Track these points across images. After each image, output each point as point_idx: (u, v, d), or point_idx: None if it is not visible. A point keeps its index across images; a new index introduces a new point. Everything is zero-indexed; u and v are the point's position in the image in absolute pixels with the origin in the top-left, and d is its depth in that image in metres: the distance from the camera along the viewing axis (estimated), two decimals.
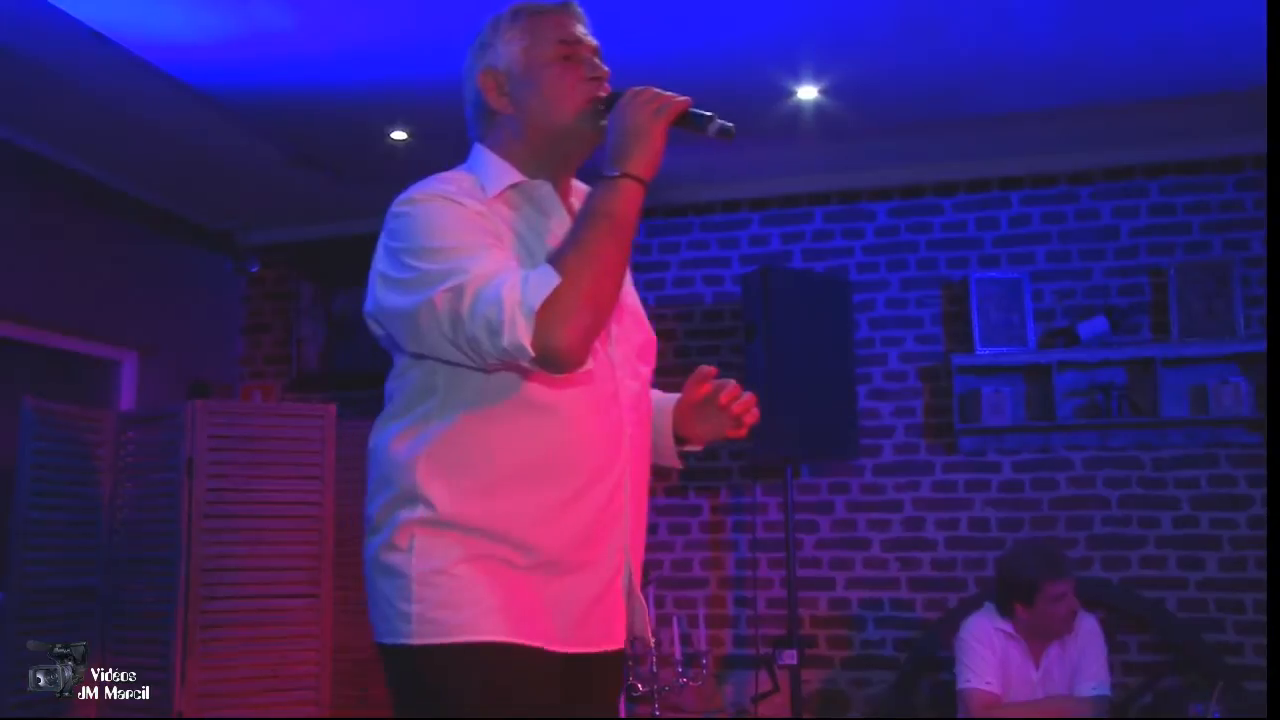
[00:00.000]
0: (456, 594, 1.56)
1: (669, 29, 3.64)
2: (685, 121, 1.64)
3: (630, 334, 1.77)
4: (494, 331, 1.46)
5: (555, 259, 1.51)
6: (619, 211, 1.55)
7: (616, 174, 1.57)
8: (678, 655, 4.48)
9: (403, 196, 1.65)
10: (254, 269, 5.71)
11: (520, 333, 1.44)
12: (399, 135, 4.45)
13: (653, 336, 1.86)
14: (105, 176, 4.88)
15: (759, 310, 4.38)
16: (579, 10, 1.77)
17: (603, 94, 1.70)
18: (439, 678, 1.56)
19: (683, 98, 1.63)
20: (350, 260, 5.58)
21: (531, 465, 1.60)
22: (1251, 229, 4.62)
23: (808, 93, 4.13)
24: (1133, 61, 3.92)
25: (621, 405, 1.69)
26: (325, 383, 5.65)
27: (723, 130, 1.64)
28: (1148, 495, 4.59)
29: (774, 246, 5.16)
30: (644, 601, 1.75)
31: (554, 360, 1.48)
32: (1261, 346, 4.40)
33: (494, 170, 1.71)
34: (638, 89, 1.64)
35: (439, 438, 1.61)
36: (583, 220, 1.55)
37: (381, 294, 1.63)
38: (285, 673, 3.87)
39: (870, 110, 4.34)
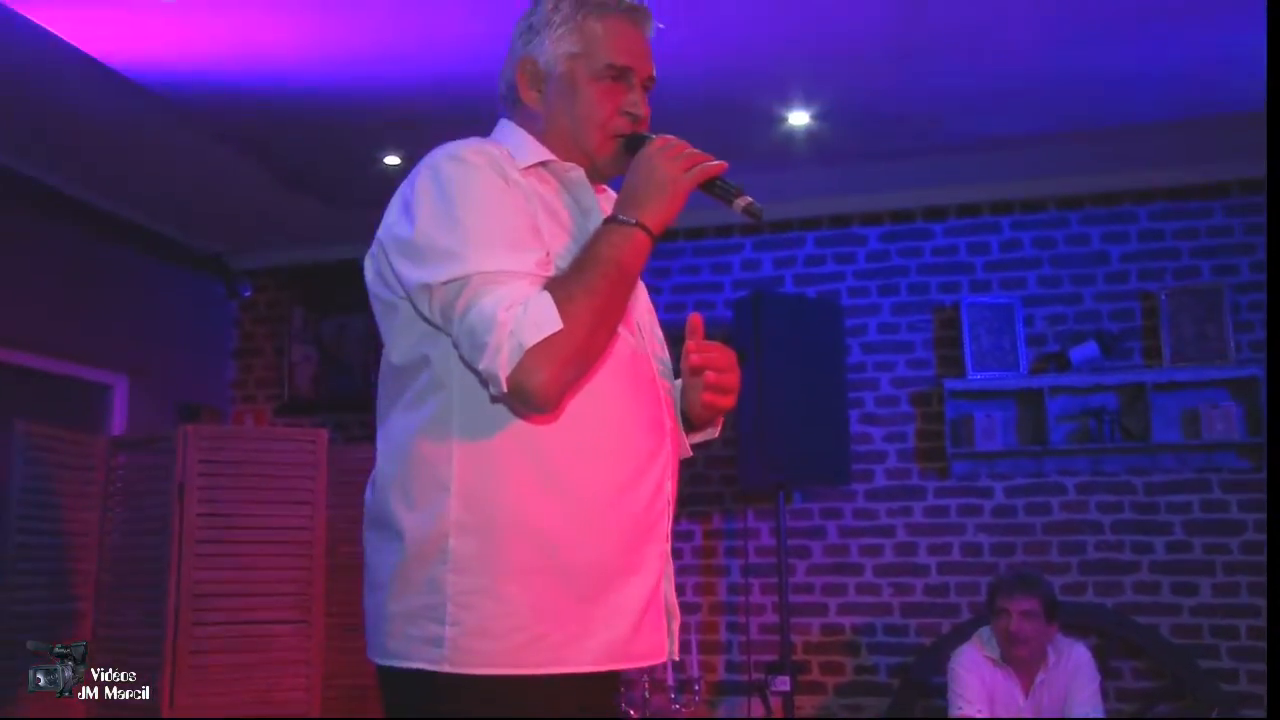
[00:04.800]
0: (497, 620, 1.42)
1: (661, 53, 3.66)
2: (712, 188, 1.53)
3: (650, 331, 1.69)
4: (476, 347, 1.37)
5: (557, 293, 1.38)
6: (628, 263, 1.44)
7: (631, 221, 1.46)
8: (670, 681, 4.46)
9: (445, 151, 1.51)
10: (246, 293, 5.71)
11: (501, 364, 1.35)
12: (391, 160, 4.46)
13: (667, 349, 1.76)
14: (97, 200, 4.88)
15: (751, 335, 4.38)
16: (648, 20, 1.64)
17: (634, 130, 1.60)
18: (470, 709, 1.43)
19: (717, 162, 1.52)
20: (342, 285, 5.61)
21: (577, 452, 1.48)
22: (1240, 254, 4.65)
23: (799, 118, 4.15)
24: (1121, 87, 3.95)
25: (661, 391, 1.60)
26: (316, 407, 5.64)
27: (749, 208, 1.53)
28: (1140, 520, 4.59)
29: (766, 271, 5.17)
30: (677, 611, 1.62)
31: (524, 400, 1.39)
32: (1252, 371, 4.42)
33: (525, 145, 1.59)
34: (670, 139, 1.53)
35: (470, 423, 1.46)
36: (591, 263, 1.43)
37: (391, 248, 1.50)
38: (274, 699, 3.84)
39: (861, 135, 4.37)
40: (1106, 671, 4.07)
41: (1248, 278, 4.61)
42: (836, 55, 3.70)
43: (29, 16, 3.32)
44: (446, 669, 1.42)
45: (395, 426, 1.53)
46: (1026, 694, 3.59)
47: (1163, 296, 4.64)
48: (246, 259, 5.73)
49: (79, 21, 3.39)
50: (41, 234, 4.65)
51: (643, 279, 1.64)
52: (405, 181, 1.52)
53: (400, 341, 1.53)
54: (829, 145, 4.39)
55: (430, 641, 1.43)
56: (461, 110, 3.85)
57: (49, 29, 3.40)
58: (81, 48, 3.52)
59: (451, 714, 1.44)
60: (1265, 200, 4.58)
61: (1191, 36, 3.56)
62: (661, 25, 1.66)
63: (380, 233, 1.53)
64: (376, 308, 1.57)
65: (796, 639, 4.77)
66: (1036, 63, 3.75)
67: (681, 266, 5.26)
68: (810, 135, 4.29)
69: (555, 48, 1.59)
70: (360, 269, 1.59)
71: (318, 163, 4.61)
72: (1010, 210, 4.95)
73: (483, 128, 1.58)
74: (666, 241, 5.34)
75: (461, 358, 1.43)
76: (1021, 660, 3.57)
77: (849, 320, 4.92)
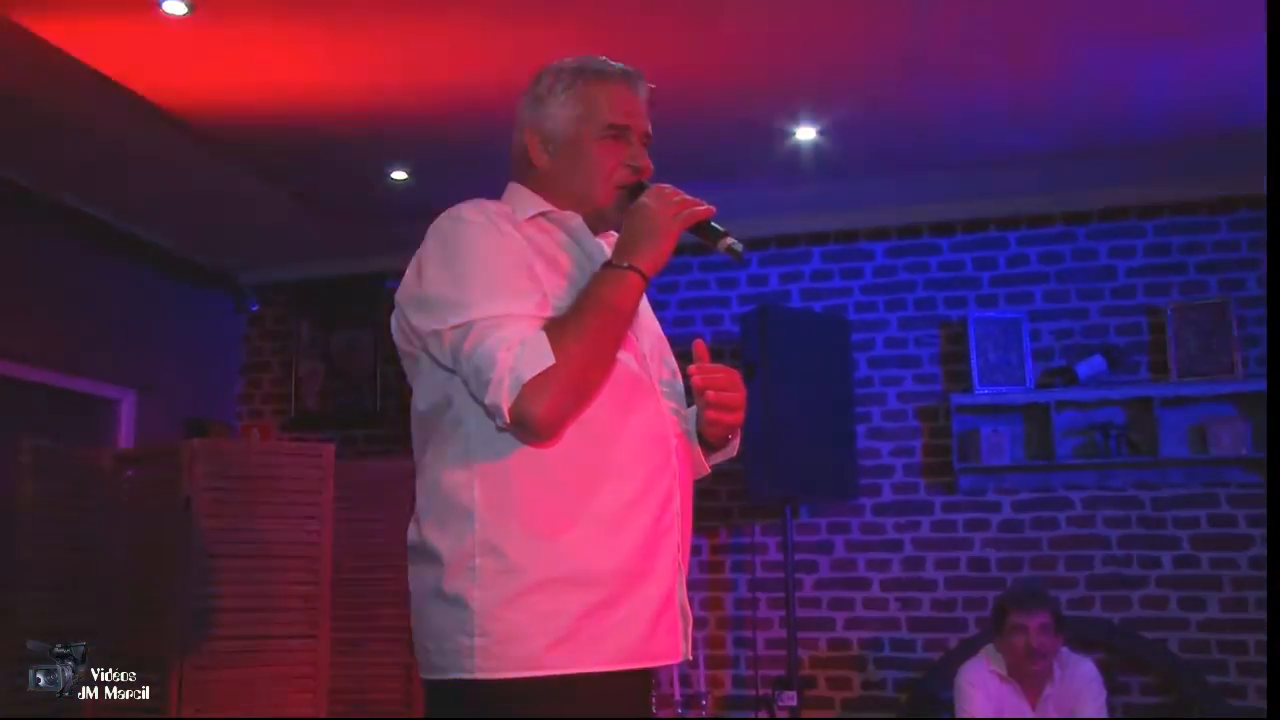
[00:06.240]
0: (521, 627, 1.54)
1: (670, 69, 3.68)
2: (701, 230, 1.67)
3: (659, 358, 1.79)
4: (481, 383, 1.52)
5: (553, 332, 1.53)
6: (621, 304, 1.59)
7: (625, 266, 1.61)
8: (677, 696, 4.45)
9: (447, 213, 1.68)
10: (253, 308, 5.73)
11: (503, 397, 1.50)
12: (399, 175, 4.48)
13: (678, 376, 1.85)
14: (105, 215, 4.90)
15: (758, 350, 4.39)
16: (642, 83, 1.78)
17: (637, 181, 1.74)
18: (500, 712, 1.55)
19: (706, 206, 1.66)
20: (349, 299, 5.62)
21: (584, 473, 1.59)
22: (1246, 269, 4.65)
23: (806, 133, 4.16)
24: (1128, 104, 3.95)
25: (664, 412, 1.71)
26: (323, 422, 5.65)
27: (732, 249, 1.66)
28: (1148, 535, 4.58)
29: (772, 286, 5.18)
30: (690, 614, 1.72)
31: (526, 429, 1.53)
32: (1259, 386, 4.40)
33: (527, 201, 1.75)
34: (664, 186, 1.68)
35: (487, 453, 1.60)
36: (586, 305, 1.58)
37: (406, 305, 1.66)
38: (281, 714, 3.84)
39: (867, 151, 4.38)
40: (1114, 687, 4.05)
41: (1254, 292, 4.61)
42: (843, 71, 3.71)
43: (46, 38, 3.35)
44: (478, 676, 1.55)
45: (426, 464, 1.68)
46: (1034, 708, 3.58)
47: (1169, 311, 4.64)
48: (254, 274, 5.75)
49: (94, 43, 3.42)
50: (49, 249, 4.67)
51: (650, 294, 1.74)
52: (424, 243, 1.68)
53: (424, 389, 1.68)
54: (835, 160, 4.40)
55: (462, 653, 1.56)
56: (467, 124, 3.87)
57: (65, 50, 3.42)
58: (95, 67, 3.54)
59: (483, 715, 1.56)
60: (1268, 212, 4.59)
61: (1199, 53, 3.57)
62: (653, 85, 1.79)
63: (398, 293, 1.69)
64: (404, 363, 1.72)
65: (803, 654, 4.76)
66: (1044, 78, 3.76)
67: (689, 281, 5.27)
68: (817, 150, 4.30)
69: (560, 114, 1.74)
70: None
71: (325, 178, 4.63)
72: (1017, 225, 4.95)
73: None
74: (674, 257, 5.35)
75: (471, 394, 1.57)
76: (1034, 674, 3.55)
77: (856, 335, 4.92)
